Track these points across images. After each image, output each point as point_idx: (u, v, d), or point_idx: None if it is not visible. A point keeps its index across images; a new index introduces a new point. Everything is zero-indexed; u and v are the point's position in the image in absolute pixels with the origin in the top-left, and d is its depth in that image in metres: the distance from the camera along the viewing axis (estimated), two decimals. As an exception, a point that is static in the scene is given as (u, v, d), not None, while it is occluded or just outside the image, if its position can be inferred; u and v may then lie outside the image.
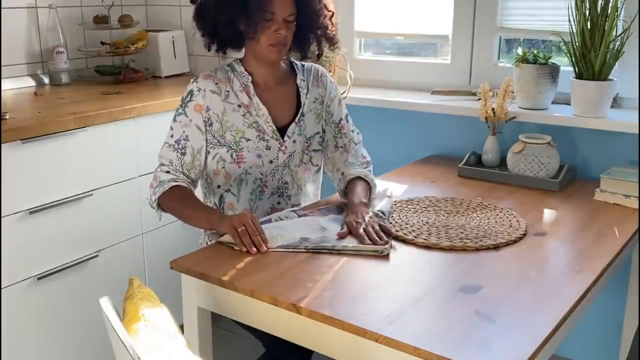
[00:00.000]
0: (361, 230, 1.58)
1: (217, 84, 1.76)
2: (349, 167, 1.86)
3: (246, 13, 1.68)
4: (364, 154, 1.92)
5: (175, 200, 1.68)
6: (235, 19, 1.71)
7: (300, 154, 1.83)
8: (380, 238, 1.56)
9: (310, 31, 1.79)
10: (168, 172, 1.71)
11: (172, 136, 1.74)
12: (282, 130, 1.79)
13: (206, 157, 1.77)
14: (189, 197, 1.70)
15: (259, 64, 1.78)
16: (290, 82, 1.86)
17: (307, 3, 1.74)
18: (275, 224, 1.65)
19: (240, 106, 1.76)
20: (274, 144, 1.78)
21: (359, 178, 1.82)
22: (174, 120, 1.75)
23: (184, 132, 1.73)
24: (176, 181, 1.69)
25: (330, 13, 1.80)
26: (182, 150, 1.72)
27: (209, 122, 1.74)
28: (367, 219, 1.62)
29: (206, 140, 1.75)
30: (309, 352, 1.68)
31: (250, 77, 1.78)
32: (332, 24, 1.81)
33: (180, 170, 1.72)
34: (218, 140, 1.75)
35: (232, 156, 1.75)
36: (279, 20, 1.69)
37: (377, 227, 1.60)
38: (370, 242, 1.55)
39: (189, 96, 1.75)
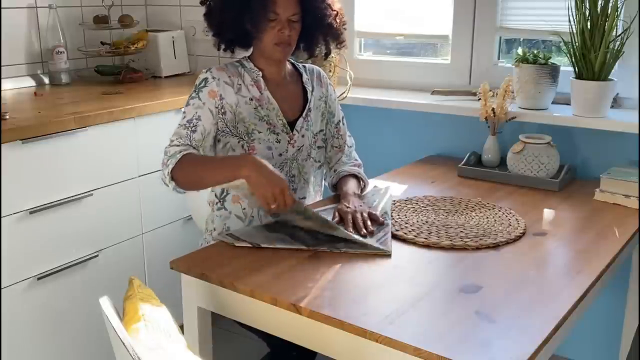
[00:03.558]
0: (349, 216, 1.65)
1: (230, 76, 1.78)
2: (341, 165, 1.95)
3: (250, 13, 1.71)
4: (356, 157, 2.01)
5: (189, 165, 1.65)
6: (240, 19, 1.74)
7: (308, 148, 1.87)
8: (366, 227, 1.62)
9: (316, 31, 1.82)
10: (177, 145, 1.69)
11: (184, 117, 1.73)
12: (290, 125, 1.83)
13: (216, 145, 1.78)
14: (200, 158, 1.67)
15: (266, 62, 1.81)
16: (296, 81, 1.90)
17: (312, 3, 1.77)
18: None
19: (252, 99, 1.79)
20: (283, 137, 1.81)
21: (352, 175, 1.91)
22: (187, 104, 1.75)
23: (196, 112, 1.72)
24: (186, 151, 1.67)
25: (335, 12, 1.82)
26: (193, 128, 1.71)
27: (222, 111, 1.75)
28: (357, 206, 1.71)
29: (217, 127, 1.75)
30: (314, 352, 1.68)
31: (260, 73, 1.81)
32: (337, 23, 1.84)
33: (189, 144, 1.69)
34: (230, 130, 1.76)
35: (243, 147, 1.77)
36: (282, 20, 1.72)
37: (365, 215, 1.67)
38: (352, 231, 1.60)
39: (204, 82, 1.75)
